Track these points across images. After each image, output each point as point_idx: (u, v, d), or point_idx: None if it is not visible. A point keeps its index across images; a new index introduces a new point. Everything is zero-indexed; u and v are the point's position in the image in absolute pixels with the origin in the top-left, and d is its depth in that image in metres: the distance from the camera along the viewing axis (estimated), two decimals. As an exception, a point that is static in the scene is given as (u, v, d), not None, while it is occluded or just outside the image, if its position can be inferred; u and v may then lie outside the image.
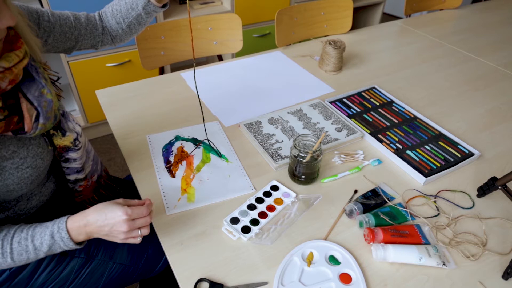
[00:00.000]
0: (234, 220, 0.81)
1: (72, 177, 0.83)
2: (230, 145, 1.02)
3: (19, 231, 0.69)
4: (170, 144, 1.01)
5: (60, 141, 0.76)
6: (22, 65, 0.64)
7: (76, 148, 0.79)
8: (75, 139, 0.78)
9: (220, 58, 1.67)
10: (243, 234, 0.78)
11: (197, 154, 0.98)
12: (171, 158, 0.96)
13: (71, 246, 0.70)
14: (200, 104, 0.99)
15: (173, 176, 0.90)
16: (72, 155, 0.79)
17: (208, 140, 1.02)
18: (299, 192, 0.89)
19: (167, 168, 0.93)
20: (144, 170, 0.93)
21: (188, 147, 1.00)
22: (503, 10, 2.00)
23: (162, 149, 0.99)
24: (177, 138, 1.03)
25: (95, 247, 0.88)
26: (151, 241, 0.94)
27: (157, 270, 0.97)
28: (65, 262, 0.84)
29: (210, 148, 1.00)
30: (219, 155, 0.98)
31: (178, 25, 1.47)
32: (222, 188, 0.89)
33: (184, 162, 0.95)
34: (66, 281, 0.84)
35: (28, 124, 0.65)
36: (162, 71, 1.73)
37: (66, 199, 0.90)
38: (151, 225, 0.83)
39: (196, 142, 1.01)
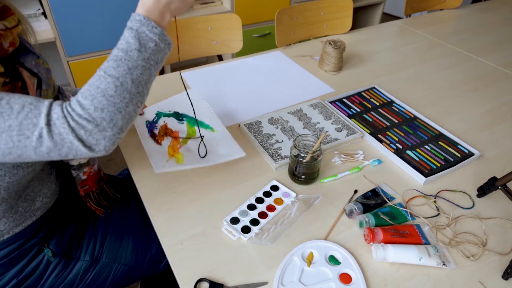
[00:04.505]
0: (234, 220, 0.81)
1: (75, 162, 0.83)
2: (213, 113, 0.98)
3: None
4: (153, 122, 0.97)
5: None
6: (19, 30, 0.68)
7: None
8: None
9: (220, 58, 1.67)
10: (243, 234, 0.78)
11: (182, 129, 0.95)
12: (156, 131, 0.93)
13: (156, 29, 0.63)
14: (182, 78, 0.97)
15: (159, 144, 0.87)
16: None
17: (192, 105, 0.97)
18: (299, 192, 0.89)
19: (152, 137, 0.89)
20: (144, 169, 0.93)
21: (172, 123, 0.96)
22: (503, 10, 2.00)
23: (146, 123, 0.96)
24: (159, 114, 0.98)
25: (99, 250, 0.88)
26: (154, 241, 0.94)
27: (161, 268, 0.97)
28: (70, 265, 0.84)
29: (194, 122, 0.96)
30: (197, 124, 0.95)
31: (178, 25, 1.47)
32: (211, 154, 0.86)
33: (169, 137, 0.92)
34: (72, 285, 0.85)
35: (32, 90, 0.67)
36: (162, 71, 1.73)
37: (71, 202, 0.91)
38: (151, 225, 0.83)
39: (178, 116, 0.97)
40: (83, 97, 0.58)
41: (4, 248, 0.77)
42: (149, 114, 0.99)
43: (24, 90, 0.66)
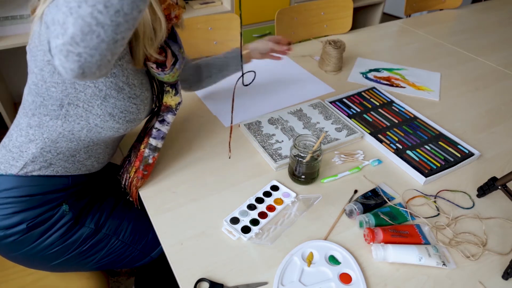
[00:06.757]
0: (234, 220, 0.81)
1: (154, 142, 0.88)
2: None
3: None
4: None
5: (170, 100, 0.88)
6: (183, 11, 0.82)
7: (175, 111, 0.89)
8: (179, 103, 0.89)
9: (220, 58, 1.67)
10: (243, 234, 0.78)
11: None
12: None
13: None
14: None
15: None
16: (169, 117, 0.88)
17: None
18: (299, 192, 0.89)
19: None
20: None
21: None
22: (503, 10, 2.00)
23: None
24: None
25: (104, 219, 0.90)
26: (152, 227, 0.95)
27: (153, 255, 0.97)
28: (75, 229, 0.86)
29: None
30: None
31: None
32: None
33: None
34: (71, 247, 0.86)
35: (169, 63, 0.81)
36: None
37: (100, 182, 0.97)
38: (148, 219, 0.83)
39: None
40: None
41: (34, 185, 0.80)
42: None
43: (164, 60, 0.81)
